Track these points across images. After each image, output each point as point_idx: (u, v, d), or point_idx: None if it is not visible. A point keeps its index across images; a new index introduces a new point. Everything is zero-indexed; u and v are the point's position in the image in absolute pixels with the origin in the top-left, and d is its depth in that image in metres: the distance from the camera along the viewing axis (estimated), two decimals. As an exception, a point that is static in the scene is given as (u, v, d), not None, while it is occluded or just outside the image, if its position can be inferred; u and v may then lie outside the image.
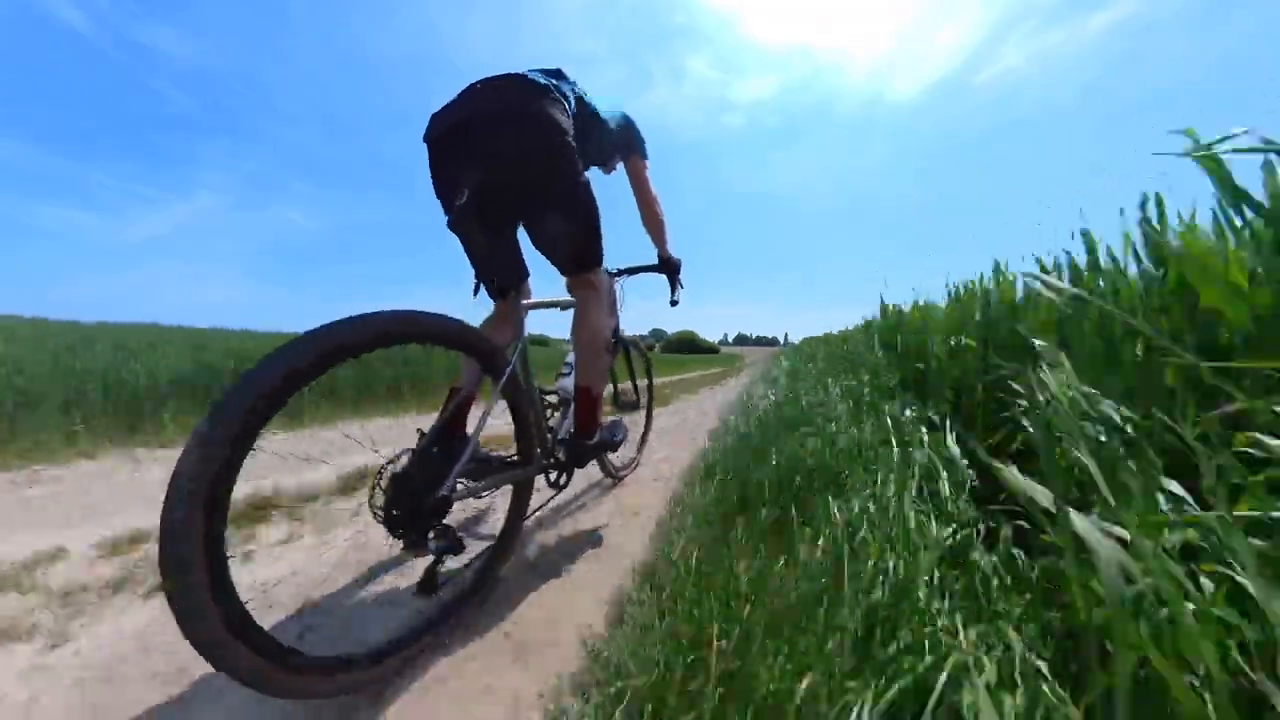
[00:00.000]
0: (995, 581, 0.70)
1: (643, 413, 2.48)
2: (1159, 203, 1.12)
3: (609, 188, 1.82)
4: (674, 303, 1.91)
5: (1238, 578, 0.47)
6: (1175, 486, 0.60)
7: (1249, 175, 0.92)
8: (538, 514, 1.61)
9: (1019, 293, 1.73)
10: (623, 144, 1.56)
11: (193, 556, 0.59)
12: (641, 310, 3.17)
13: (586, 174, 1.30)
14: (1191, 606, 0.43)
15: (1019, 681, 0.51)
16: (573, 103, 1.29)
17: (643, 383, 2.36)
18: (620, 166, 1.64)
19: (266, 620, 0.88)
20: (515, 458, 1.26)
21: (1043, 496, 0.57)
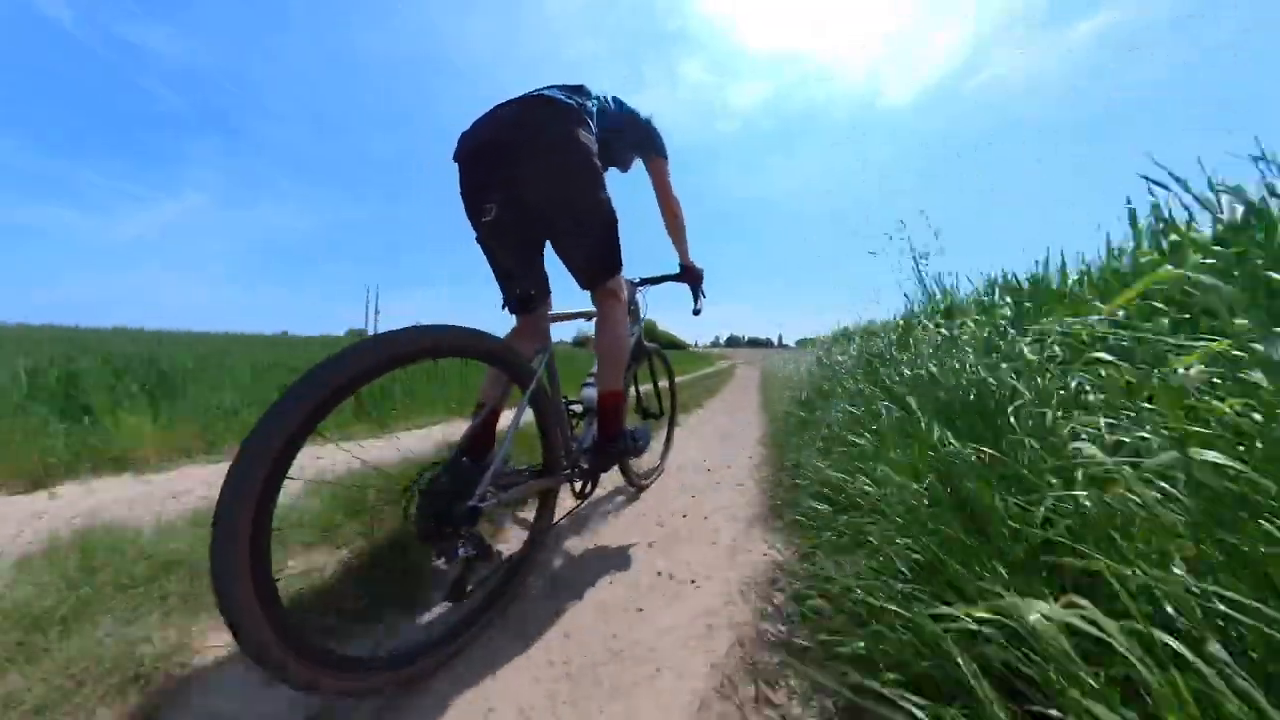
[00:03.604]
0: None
1: (665, 420, 2.49)
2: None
3: (632, 193, 1.84)
4: (696, 312, 1.92)
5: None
6: None
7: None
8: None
9: None
10: (644, 144, 1.59)
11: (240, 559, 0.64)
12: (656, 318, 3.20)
13: (606, 175, 1.32)
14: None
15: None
16: (595, 117, 1.32)
17: (665, 390, 2.37)
18: (639, 163, 1.65)
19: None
20: (541, 467, 1.29)
21: None
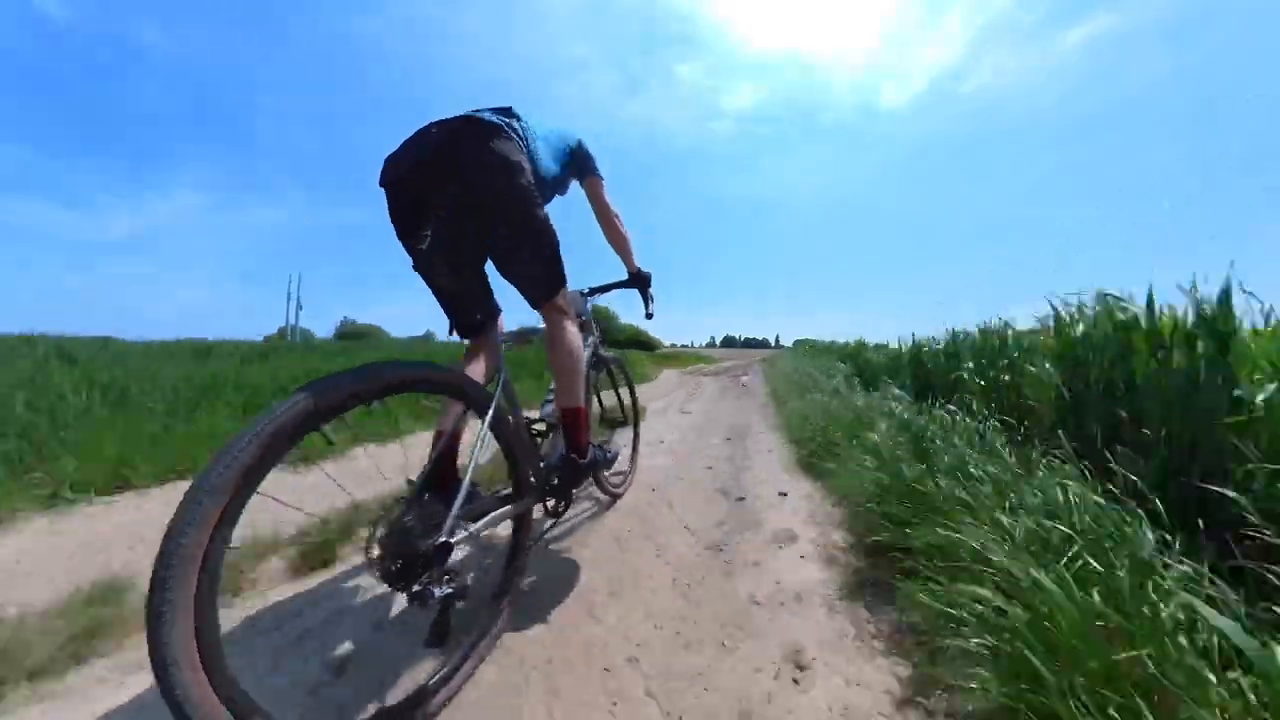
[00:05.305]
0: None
1: (630, 429, 2.48)
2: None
3: (575, 211, 1.83)
4: (649, 315, 1.93)
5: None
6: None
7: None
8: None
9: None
10: (578, 167, 1.58)
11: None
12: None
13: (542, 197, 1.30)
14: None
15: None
16: (526, 139, 1.30)
17: (627, 398, 2.36)
18: (576, 184, 1.63)
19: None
20: (511, 491, 1.25)
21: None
